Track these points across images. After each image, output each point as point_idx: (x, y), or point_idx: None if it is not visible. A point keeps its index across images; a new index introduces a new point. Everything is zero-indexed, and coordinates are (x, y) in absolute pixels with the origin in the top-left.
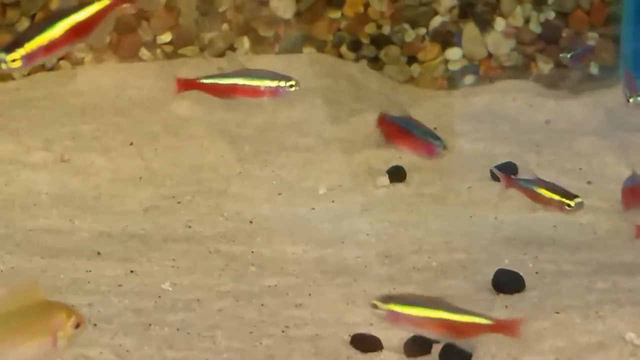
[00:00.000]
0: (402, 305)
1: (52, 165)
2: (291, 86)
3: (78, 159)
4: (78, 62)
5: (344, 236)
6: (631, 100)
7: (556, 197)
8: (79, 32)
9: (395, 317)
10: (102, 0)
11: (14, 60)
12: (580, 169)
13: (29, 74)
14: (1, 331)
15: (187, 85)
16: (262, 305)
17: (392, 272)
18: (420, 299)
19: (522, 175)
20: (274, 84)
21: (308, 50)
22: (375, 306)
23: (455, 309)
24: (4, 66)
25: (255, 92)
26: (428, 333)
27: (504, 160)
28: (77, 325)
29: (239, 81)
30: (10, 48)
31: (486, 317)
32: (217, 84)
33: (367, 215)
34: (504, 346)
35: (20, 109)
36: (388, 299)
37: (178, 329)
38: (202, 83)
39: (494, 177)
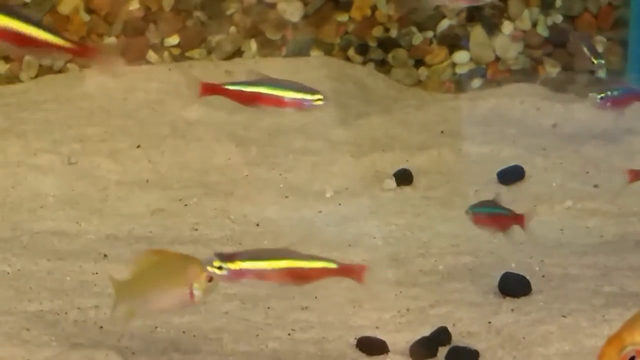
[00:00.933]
0: (246, 261)
1: (59, 168)
2: (318, 100)
3: (85, 161)
4: (85, 65)
5: (351, 239)
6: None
7: None
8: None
9: (240, 274)
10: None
11: None
12: (587, 172)
13: (36, 76)
14: (144, 282)
15: (211, 89)
16: (268, 308)
17: (399, 275)
18: (263, 252)
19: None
20: (299, 96)
21: (315, 53)
22: (220, 268)
23: (299, 256)
24: None
25: (279, 102)
26: (276, 283)
27: (511, 164)
28: (210, 279)
29: (264, 90)
30: None
31: (331, 262)
32: (242, 91)
33: (374, 218)
34: (511, 350)
35: (27, 111)
36: (231, 257)
37: (184, 332)
38: (226, 89)
39: (502, 181)
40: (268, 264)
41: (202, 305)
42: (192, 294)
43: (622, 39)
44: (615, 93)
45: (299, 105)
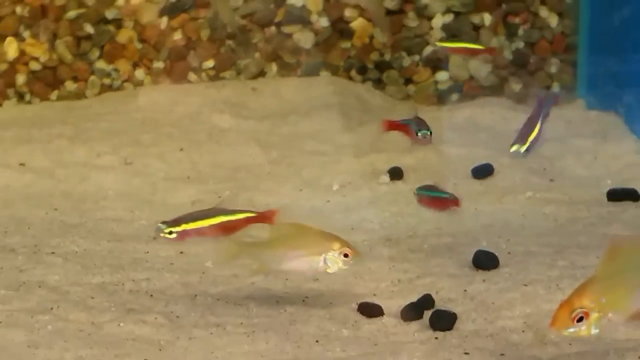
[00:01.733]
0: (189, 223)
1: (118, 167)
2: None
3: (139, 162)
4: (139, 84)
5: (353, 224)
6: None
7: None
8: None
9: (185, 234)
10: None
11: None
12: (544, 169)
13: (99, 94)
14: (285, 243)
15: (391, 126)
16: (287, 280)
17: (392, 253)
18: (200, 213)
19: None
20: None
21: (324, 73)
22: (170, 232)
23: (227, 212)
24: None
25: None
26: (214, 236)
27: (482, 162)
28: (346, 255)
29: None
30: None
31: (251, 212)
32: (408, 128)
33: (372, 207)
34: (482, 312)
35: (92, 122)
36: (176, 222)
37: (218, 299)
38: (402, 125)
39: (475, 176)
40: (205, 222)
41: (233, 277)
42: (325, 264)
43: (573, 61)
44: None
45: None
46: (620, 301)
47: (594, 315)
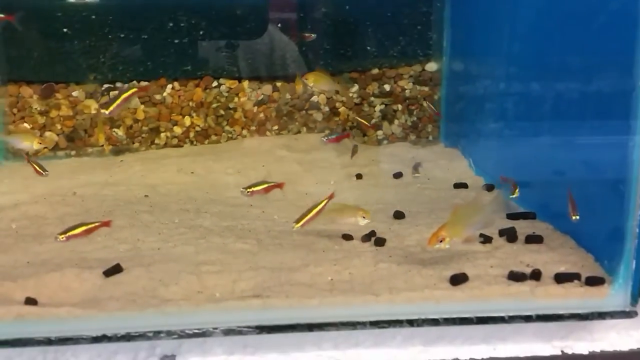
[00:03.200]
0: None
1: (234, 174)
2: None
3: (244, 172)
4: (243, 136)
5: (340, 199)
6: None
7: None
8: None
9: (252, 193)
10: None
11: None
12: (425, 174)
13: (226, 141)
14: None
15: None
16: (310, 225)
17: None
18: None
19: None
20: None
21: (327, 131)
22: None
23: (267, 182)
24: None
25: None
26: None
27: (397, 170)
28: (364, 217)
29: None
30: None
31: (272, 182)
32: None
33: (349, 191)
34: (398, 239)
35: (223, 153)
36: (248, 187)
37: (279, 232)
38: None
39: (395, 177)
40: (260, 187)
41: (286, 222)
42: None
43: (438, 126)
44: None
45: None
46: (458, 232)
47: (447, 239)
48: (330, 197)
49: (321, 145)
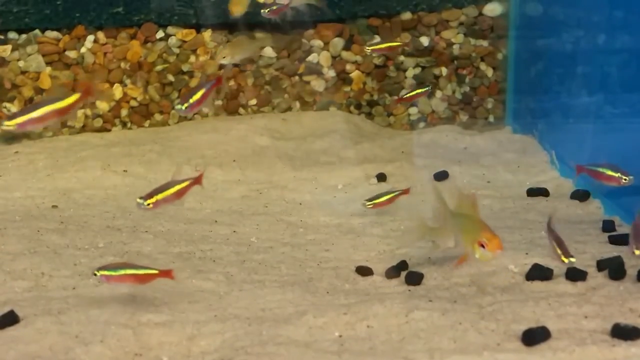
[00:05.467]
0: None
1: (190, 173)
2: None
3: (207, 171)
4: (204, 116)
5: (352, 212)
6: None
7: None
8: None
9: (157, 204)
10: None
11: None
12: (483, 174)
13: (177, 123)
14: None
15: (581, 169)
16: (307, 250)
17: (379, 232)
18: (168, 184)
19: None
20: None
21: (332, 108)
22: (149, 204)
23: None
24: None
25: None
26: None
27: (440, 169)
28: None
29: None
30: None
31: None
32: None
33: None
34: (441, 273)
35: (172, 142)
36: (149, 195)
37: (260, 263)
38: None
39: (435, 179)
40: (170, 191)
41: (270, 248)
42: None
43: (503, 100)
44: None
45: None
46: None
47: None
48: (405, 192)
49: (322, 131)
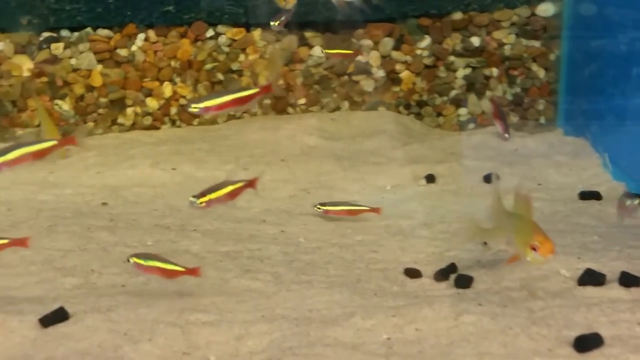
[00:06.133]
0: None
1: (238, 172)
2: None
3: (253, 168)
4: (253, 115)
5: (401, 213)
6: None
7: None
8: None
9: (210, 203)
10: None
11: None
12: (534, 176)
13: (226, 121)
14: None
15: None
16: (355, 251)
17: (427, 233)
18: (220, 185)
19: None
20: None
21: (381, 108)
22: (201, 203)
23: (233, 182)
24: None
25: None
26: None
27: (490, 171)
28: (534, 248)
29: None
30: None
31: (242, 181)
32: None
33: (413, 201)
34: (491, 276)
35: (221, 140)
36: (202, 194)
37: (307, 264)
38: None
39: (485, 181)
40: (223, 192)
41: (318, 249)
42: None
43: (554, 101)
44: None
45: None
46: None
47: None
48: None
49: (371, 131)
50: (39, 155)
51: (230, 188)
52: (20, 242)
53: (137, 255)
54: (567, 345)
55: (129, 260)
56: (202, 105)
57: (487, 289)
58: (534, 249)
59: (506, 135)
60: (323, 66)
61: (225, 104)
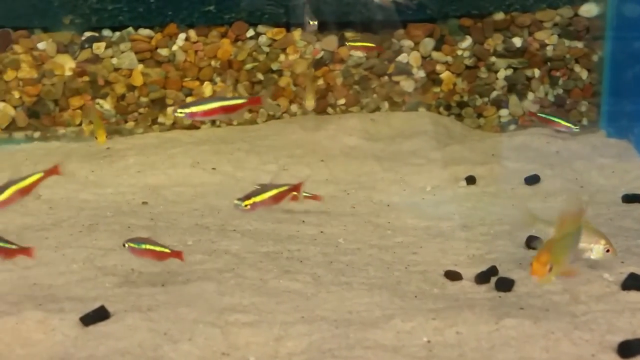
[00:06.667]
0: (256, 197)
1: (278, 172)
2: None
3: (292, 168)
4: (293, 115)
5: (441, 214)
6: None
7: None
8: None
9: (255, 206)
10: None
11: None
12: (576, 179)
13: (265, 121)
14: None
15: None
16: (394, 252)
17: (468, 236)
18: (264, 188)
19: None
20: None
21: (421, 109)
22: (246, 206)
23: (278, 186)
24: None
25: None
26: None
27: (532, 173)
28: (608, 251)
29: None
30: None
31: (287, 185)
32: None
33: (453, 203)
34: (529, 277)
35: (260, 140)
36: (247, 197)
37: (347, 265)
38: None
39: (527, 183)
40: (267, 195)
41: (357, 250)
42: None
43: (597, 103)
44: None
45: None
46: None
47: (554, 268)
48: (297, 188)
49: (411, 132)
50: (28, 190)
51: (275, 191)
52: (25, 252)
53: (132, 240)
54: (611, 351)
55: (124, 246)
56: (187, 110)
57: (528, 292)
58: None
59: (574, 128)
60: (363, 66)
61: (211, 110)
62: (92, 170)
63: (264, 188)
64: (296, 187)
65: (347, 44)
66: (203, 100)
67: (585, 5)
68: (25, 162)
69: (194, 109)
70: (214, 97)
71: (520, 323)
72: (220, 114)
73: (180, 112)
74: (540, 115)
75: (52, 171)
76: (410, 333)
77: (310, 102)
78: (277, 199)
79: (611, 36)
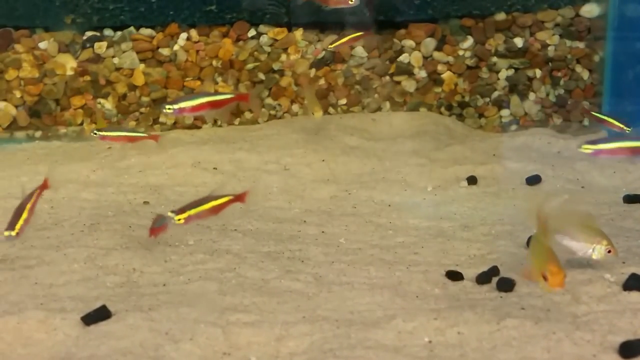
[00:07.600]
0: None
1: (279, 172)
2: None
3: (293, 168)
4: (294, 115)
5: (442, 215)
6: None
7: None
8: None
9: (189, 219)
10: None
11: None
12: (577, 179)
13: (267, 121)
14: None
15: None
16: (395, 252)
17: (469, 236)
18: (199, 201)
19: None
20: None
21: (422, 109)
22: (179, 220)
23: (216, 197)
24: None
25: None
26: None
27: (533, 173)
28: (609, 251)
29: None
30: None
31: (230, 195)
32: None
33: (455, 203)
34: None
35: (262, 140)
36: (181, 210)
37: (348, 264)
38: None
39: (528, 183)
40: (201, 209)
41: (358, 250)
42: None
43: (598, 103)
44: None
45: None
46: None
47: None
48: (242, 197)
49: (412, 132)
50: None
51: (213, 203)
52: (153, 137)
53: (100, 130)
54: (612, 351)
55: (95, 133)
56: (176, 106)
57: (529, 292)
58: (544, 278)
59: (627, 129)
60: (364, 66)
61: (200, 106)
62: (93, 169)
63: (203, 200)
64: (240, 197)
65: (330, 47)
66: (191, 96)
67: (586, 6)
68: (26, 162)
69: (182, 105)
70: (201, 93)
71: (521, 323)
72: (208, 110)
73: (169, 108)
74: (594, 114)
75: (44, 186)
76: (411, 333)
77: (318, 113)
78: (214, 211)
79: (612, 36)
